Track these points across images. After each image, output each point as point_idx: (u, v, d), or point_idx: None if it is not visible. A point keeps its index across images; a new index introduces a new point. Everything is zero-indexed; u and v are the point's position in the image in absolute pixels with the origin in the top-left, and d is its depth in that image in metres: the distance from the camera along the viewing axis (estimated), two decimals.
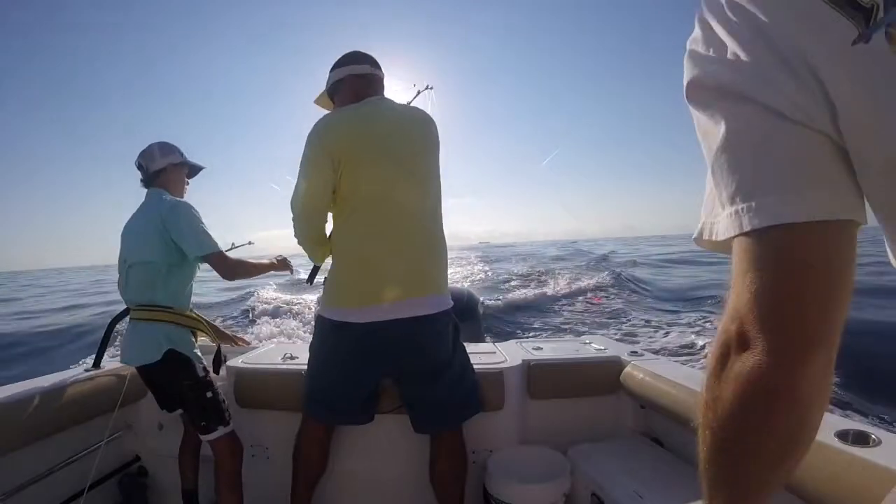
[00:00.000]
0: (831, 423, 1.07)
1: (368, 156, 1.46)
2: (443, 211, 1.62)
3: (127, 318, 1.76)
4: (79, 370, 1.92)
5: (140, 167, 1.78)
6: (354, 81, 1.58)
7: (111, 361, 2.03)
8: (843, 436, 1.01)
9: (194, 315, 1.77)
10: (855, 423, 1.08)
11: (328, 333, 1.56)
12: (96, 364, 1.95)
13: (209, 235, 1.70)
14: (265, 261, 1.94)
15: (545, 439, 1.81)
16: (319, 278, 1.81)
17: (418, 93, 1.81)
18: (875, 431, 1.03)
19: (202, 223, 1.71)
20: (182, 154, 1.83)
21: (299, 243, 1.66)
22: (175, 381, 1.65)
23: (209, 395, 1.65)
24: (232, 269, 1.74)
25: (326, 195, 1.51)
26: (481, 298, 3.78)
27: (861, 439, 1.00)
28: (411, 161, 1.52)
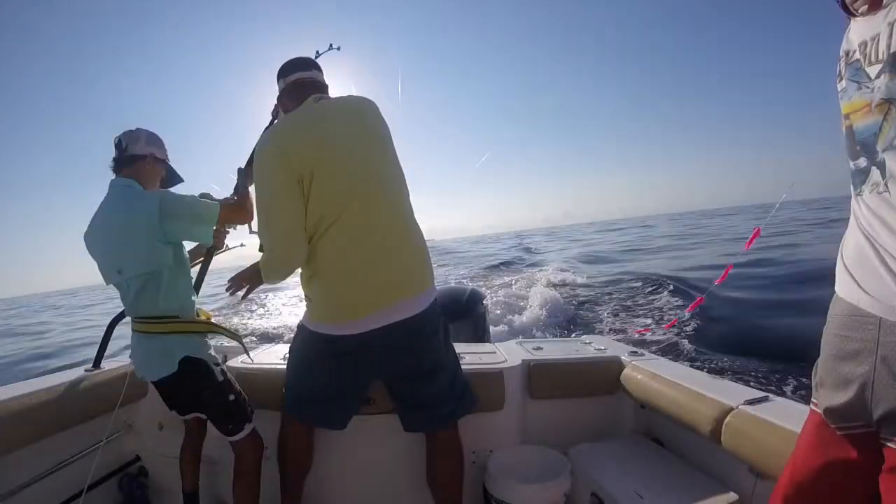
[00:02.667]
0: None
1: (331, 166, 1.38)
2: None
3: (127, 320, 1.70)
4: (79, 370, 1.92)
5: (118, 144, 1.60)
6: (298, 90, 1.53)
7: (111, 361, 2.03)
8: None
9: (204, 319, 1.69)
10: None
11: (314, 343, 1.51)
12: (96, 364, 1.95)
13: (203, 204, 1.59)
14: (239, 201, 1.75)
15: (545, 439, 1.81)
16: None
17: (317, 55, 1.70)
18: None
19: (186, 197, 1.58)
20: (167, 153, 1.71)
21: (276, 270, 1.47)
22: (196, 389, 1.60)
23: (231, 397, 1.62)
24: (235, 211, 1.69)
25: (303, 211, 1.40)
26: (485, 296, 3.70)
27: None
28: (371, 160, 1.46)
